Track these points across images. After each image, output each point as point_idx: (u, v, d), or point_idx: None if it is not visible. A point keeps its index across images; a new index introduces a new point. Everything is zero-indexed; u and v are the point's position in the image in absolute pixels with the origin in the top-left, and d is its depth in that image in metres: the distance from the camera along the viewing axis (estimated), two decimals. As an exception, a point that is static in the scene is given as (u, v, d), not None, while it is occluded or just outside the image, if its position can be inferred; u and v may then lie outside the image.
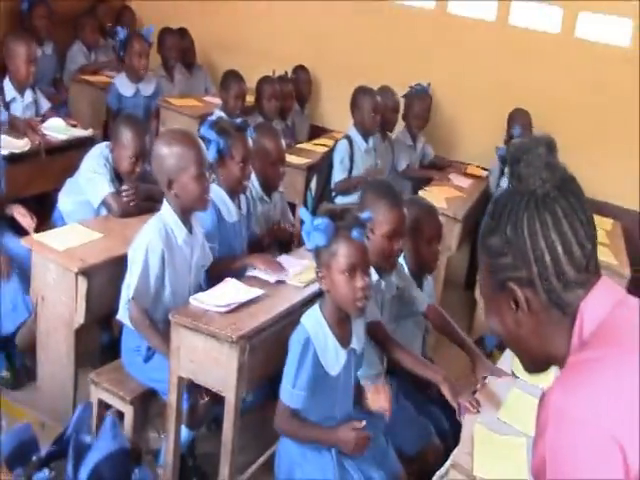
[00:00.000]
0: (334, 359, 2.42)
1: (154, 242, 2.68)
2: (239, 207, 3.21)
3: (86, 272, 2.88)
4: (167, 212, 2.76)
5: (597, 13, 5.22)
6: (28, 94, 4.55)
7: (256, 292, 2.74)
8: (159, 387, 2.83)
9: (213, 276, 2.94)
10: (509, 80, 5.39)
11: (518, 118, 5.07)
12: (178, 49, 5.97)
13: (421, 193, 4.71)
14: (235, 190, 3.15)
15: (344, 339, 2.45)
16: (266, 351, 2.61)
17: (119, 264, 2.89)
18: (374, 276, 2.73)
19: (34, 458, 1.04)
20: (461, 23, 5.60)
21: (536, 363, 1.34)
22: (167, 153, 2.69)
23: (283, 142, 3.51)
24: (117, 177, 3.48)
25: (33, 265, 3.01)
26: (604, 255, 4.15)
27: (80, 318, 2.93)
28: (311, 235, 2.34)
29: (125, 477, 1.01)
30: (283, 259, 3.06)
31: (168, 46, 5.89)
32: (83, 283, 2.88)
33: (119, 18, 6.36)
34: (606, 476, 1.05)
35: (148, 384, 2.87)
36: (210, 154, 2.98)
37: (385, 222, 2.68)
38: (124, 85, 5.26)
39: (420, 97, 5.31)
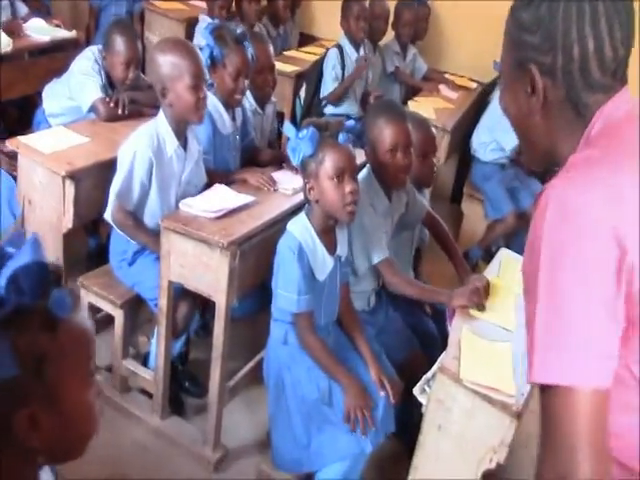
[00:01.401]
0: (322, 265, 2.45)
1: (143, 148, 2.64)
2: (233, 119, 3.16)
3: (74, 176, 2.84)
4: (161, 121, 2.71)
5: None
6: None
7: (246, 199, 2.72)
8: (144, 292, 2.85)
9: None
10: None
11: None
12: None
13: (410, 104, 4.67)
14: (228, 102, 3.07)
15: (330, 247, 2.48)
16: (256, 257, 2.61)
17: (107, 168, 2.85)
18: (384, 201, 2.75)
19: None
20: None
21: (539, 158, 1.31)
22: (163, 61, 2.63)
23: (271, 49, 3.42)
24: (110, 83, 3.42)
25: (19, 167, 2.96)
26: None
27: (68, 222, 2.90)
28: (297, 147, 2.35)
29: (42, 292, 1.02)
30: (277, 174, 3.03)
31: None
32: (71, 187, 2.84)
33: None
34: (594, 260, 1.03)
35: (133, 288, 2.89)
36: (203, 57, 2.91)
37: (386, 136, 2.65)
38: None
39: (409, 6, 5.20)
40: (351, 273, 2.69)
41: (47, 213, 2.95)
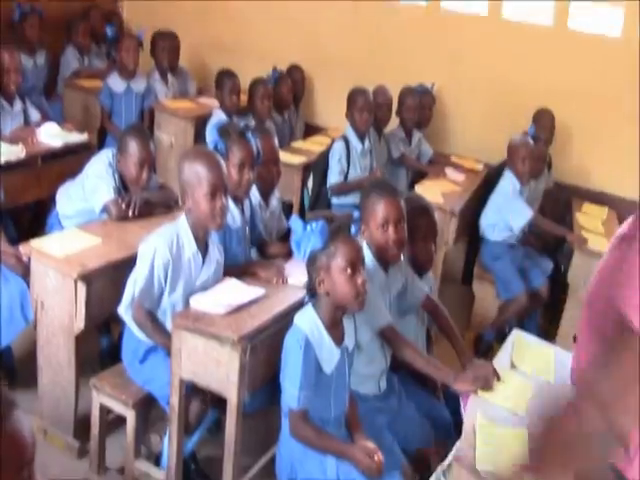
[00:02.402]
0: (329, 357, 2.46)
1: (162, 247, 2.69)
2: (242, 212, 3.21)
3: (85, 277, 2.87)
4: (182, 224, 2.77)
5: (588, 1, 5.23)
6: (17, 104, 4.56)
7: (256, 292, 2.75)
8: (155, 390, 2.84)
9: None
10: (505, 73, 5.41)
11: (539, 118, 5.07)
12: (171, 51, 5.97)
13: (417, 187, 4.73)
14: (236, 195, 3.13)
15: (337, 338, 2.49)
16: (267, 351, 2.62)
17: (118, 268, 2.90)
18: (380, 274, 2.76)
19: None
20: (454, 19, 5.62)
21: None
22: (186, 167, 2.72)
23: (276, 142, 3.50)
24: (123, 186, 3.49)
25: (32, 272, 3.00)
26: (599, 244, 4.18)
27: (80, 324, 2.93)
28: (303, 240, 2.40)
29: None
30: (288, 266, 3.05)
31: (162, 48, 5.88)
32: (82, 288, 2.88)
33: (109, 22, 6.36)
34: None
35: (145, 386, 2.88)
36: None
37: (377, 212, 2.70)
38: (116, 82, 5.39)
39: (413, 92, 5.32)
40: (357, 353, 2.67)
41: (59, 315, 2.97)
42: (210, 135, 3.13)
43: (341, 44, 5.99)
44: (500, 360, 2.63)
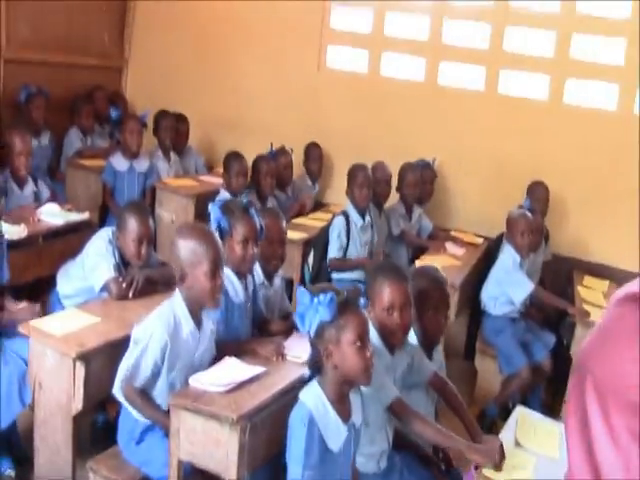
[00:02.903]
0: (336, 435, 2.39)
1: (159, 331, 2.68)
2: (245, 288, 3.21)
3: (84, 357, 2.85)
4: (177, 302, 2.77)
5: (583, 80, 5.39)
6: (29, 187, 4.63)
7: (256, 370, 2.73)
8: (152, 471, 2.78)
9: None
10: (502, 147, 5.51)
11: (533, 191, 5.13)
12: (174, 130, 6.09)
13: (418, 263, 4.74)
14: (239, 270, 3.15)
15: (344, 414, 2.43)
16: (268, 430, 2.58)
17: (117, 347, 2.88)
18: (386, 354, 2.75)
19: None
20: (451, 94, 5.76)
21: None
22: (183, 246, 2.73)
23: (284, 224, 3.51)
24: (123, 263, 3.52)
25: (30, 352, 2.98)
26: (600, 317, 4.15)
27: (78, 404, 2.89)
28: (309, 313, 2.34)
29: None
30: (289, 342, 3.05)
31: (164, 127, 6.00)
32: (81, 368, 2.85)
33: (113, 104, 6.50)
34: None
35: (142, 468, 2.82)
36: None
37: (384, 295, 2.71)
38: (119, 161, 5.48)
39: (413, 168, 5.39)
40: (364, 430, 2.61)
41: (57, 395, 2.94)
42: (213, 213, 3.15)
43: (341, 121, 6.12)
44: (504, 438, 2.59)
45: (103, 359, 2.95)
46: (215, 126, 6.63)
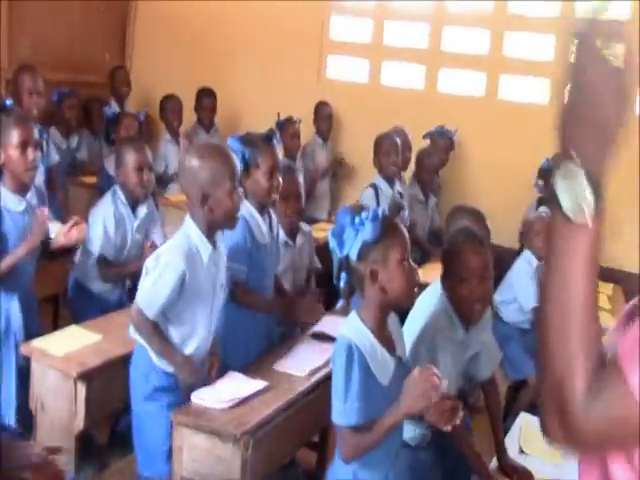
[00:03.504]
0: (383, 367, 2.19)
1: (176, 261, 2.53)
2: (270, 229, 3.13)
3: (85, 376, 2.84)
4: (192, 230, 2.60)
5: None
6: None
7: (258, 385, 2.71)
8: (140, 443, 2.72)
9: (238, 304, 2.94)
10: (503, 152, 5.48)
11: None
12: (180, 112, 6.04)
13: (422, 269, 4.69)
14: (264, 203, 3.07)
15: (388, 345, 2.24)
16: (270, 445, 2.57)
17: (118, 365, 2.87)
18: (459, 330, 2.59)
19: None
20: (452, 101, 5.76)
21: None
22: (201, 166, 2.56)
23: (301, 179, 3.42)
24: (129, 201, 3.66)
25: (32, 373, 2.97)
26: (606, 319, 4.12)
27: (80, 423, 2.87)
28: (351, 234, 2.13)
29: None
30: (292, 354, 3.02)
31: (170, 109, 6.00)
32: (82, 388, 2.84)
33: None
34: None
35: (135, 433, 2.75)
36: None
37: (460, 262, 2.52)
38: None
39: (428, 153, 5.34)
40: None
41: (58, 415, 2.92)
42: (234, 146, 3.02)
43: (343, 130, 6.16)
44: (508, 445, 2.56)
45: (104, 377, 2.93)
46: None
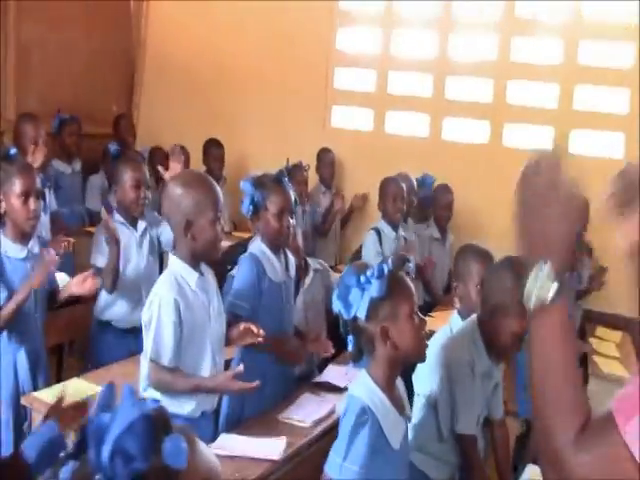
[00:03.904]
0: (395, 429, 2.14)
1: (165, 294, 2.49)
2: (286, 268, 3.11)
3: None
4: (175, 263, 2.57)
5: (588, 130, 5.40)
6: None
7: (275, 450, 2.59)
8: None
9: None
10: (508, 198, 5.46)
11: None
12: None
13: (428, 320, 4.64)
14: (275, 244, 3.06)
15: (398, 405, 2.20)
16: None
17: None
18: (486, 361, 2.55)
19: (61, 455, 0.93)
20: (456, 148, 5.79)
21: None
22: (184, 194, 2.52)
23: (292, 195, 3.28)
24: (126, 218, 3.71)
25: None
26: (616, 369, 4.07)
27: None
28: (356, 294, 2.10)
29: (154, 448, 0.89)
30: (295, 405, 2.97)
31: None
32: (83, 440, 2.80)
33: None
34: None
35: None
36: (244, 207, 3.01)
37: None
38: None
39: (445, 188, 5.34)
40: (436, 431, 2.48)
41: (59, 468, 2.88)
42: (245, 188, 3.06)
43: (347, 178, 6.24)
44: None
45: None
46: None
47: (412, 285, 2.20)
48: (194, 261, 2.59)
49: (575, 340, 1.26)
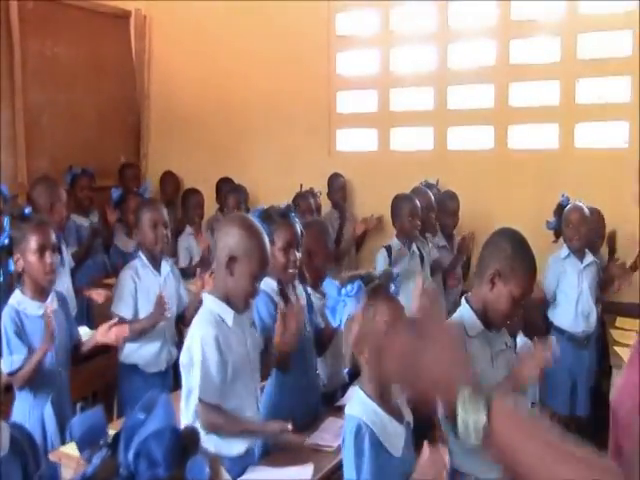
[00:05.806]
0: (394, 438, 2.17)
1: (206, 332, 2.50)
2: (296, 297, 3.13)
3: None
4: (210, 300, 2.60)
5: (591, 123, 5.36)
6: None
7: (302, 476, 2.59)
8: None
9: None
10: (515, 199, 5.44)
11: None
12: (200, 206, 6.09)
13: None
14: (283, 279, 3.06)
15: (396, 413, 2.21)
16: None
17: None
18: (485, 332, 2.50)
19: (101, 441, 0.99)
20: (462, 157, 5.80)
21: None
22: (237, 234, 2.54)
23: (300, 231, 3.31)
24: (150, 259, 3.77)
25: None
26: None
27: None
28: (339, 305, 2.17)
29: (176, 459, 0.92)
30: (322, 429, 2.95)
31: (192, 205, 6.06)
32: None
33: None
34: None
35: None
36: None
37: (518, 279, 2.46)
38: (124, 241, 5.54)
39: (450, 196, 5.28)
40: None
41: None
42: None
43: (355, 200, 6.24)
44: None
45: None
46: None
47: (395, 301, 2.20)
48: (228, 299, 2.60)
49: (539, 423, 1.19)
